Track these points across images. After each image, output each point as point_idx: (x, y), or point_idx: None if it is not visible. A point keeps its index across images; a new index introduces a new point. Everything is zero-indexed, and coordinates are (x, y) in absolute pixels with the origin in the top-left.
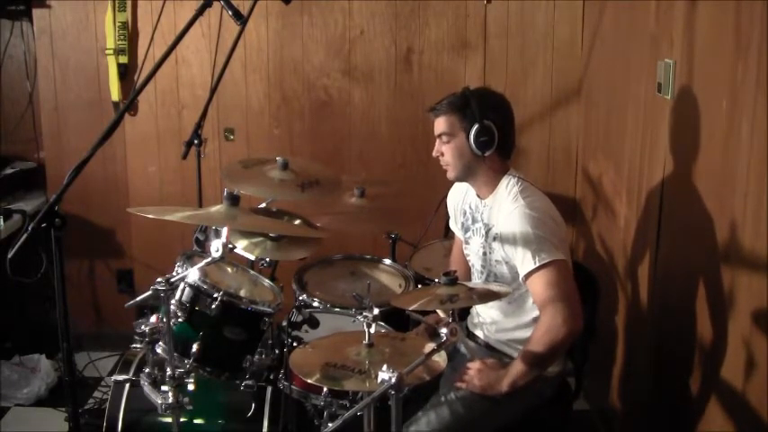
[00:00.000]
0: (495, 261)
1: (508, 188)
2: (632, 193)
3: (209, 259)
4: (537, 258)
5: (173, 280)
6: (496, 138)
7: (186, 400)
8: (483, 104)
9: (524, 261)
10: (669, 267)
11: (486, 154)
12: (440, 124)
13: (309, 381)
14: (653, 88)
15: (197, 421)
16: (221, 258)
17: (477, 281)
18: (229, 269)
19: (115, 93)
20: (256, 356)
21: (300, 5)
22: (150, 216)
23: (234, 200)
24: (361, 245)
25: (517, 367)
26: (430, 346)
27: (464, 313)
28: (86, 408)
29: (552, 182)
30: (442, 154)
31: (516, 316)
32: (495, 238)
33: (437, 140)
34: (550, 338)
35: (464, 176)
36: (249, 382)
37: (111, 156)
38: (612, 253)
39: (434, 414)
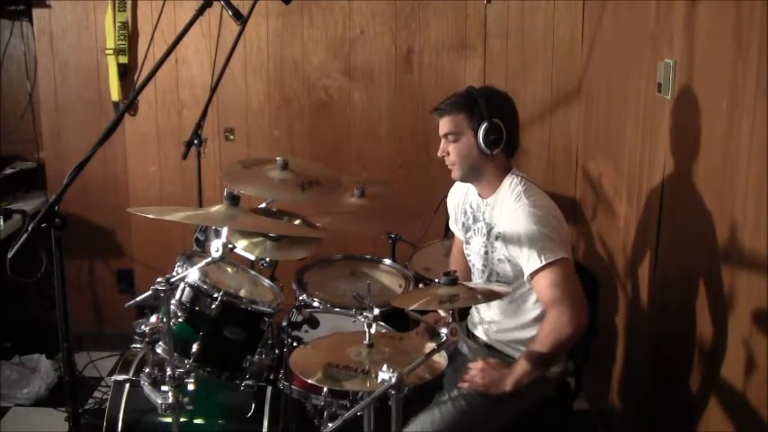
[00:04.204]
0: (498, 260)
1: (511, 187)
2: (632, 193)
3: (209, 259)
4: (542, 257)
5: (173, 280)
6: (504, 136)
7: (186, 400)
8: (491, 103)
9: (530, 260)
10: (669, 267)
11: (494, 153)
12: (446, 124)
13: (310, 381)
14: (653, 88)
15: (197, 421)
16: (221, 258)
17: (478, 280)
18: (229, 269)
19: (115, 93)
20: (256, 356)
21: (300, 5)
22: (150, 216)
23: (234, 200)
24: (361, 245)
25: (522, 366)
26: (430, 346)
27: (464, 313)
28: (86, 408)
29: (552, 182)
30: (448, 153)
31: (516, 316)
32: (497, 237)
33: (442, 140)
34: (556, 337)
35: (469, 176)
36: (249, 382)
37: (111, 156)
38: (612, 253)
39: (438, 412)
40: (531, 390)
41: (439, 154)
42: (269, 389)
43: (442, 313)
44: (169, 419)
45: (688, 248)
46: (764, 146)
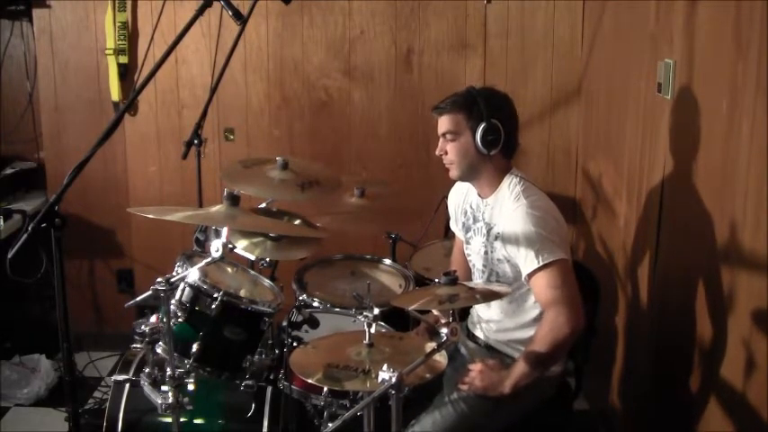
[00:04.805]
0: (497, 260)
1: (510, 187)
2: (632, 193)
3: (209, 259)
4: (540, 258)
5: (173, 280)
6: (502, 137)
7: (186, 400)
8: (490, 104)
9: (527, 260)
10: (669, 267)
11: (492, 153)
12: (444, 122)
13: (310, 381)
14: (653, 88)
15: (197, 421)
16: (221, 258)
17: (478, 280)
18: (229, 269)
19: (115, 93)
20: (256, 356)
21: (300, 5)
22: (150, 216)
23: (234, 200)
24: (361, 245)
25: (520, 368)
26: (430, 346)
27: (464, 313)
28: (86, 408)
29: (552, 182)
30: (446, 152)
31: (517, 315)
32: (496, 237)
33: (441, 139)
34: (553, 338)
35: (467, 175)
36: (249, 382)
37: (112, 156)
38: (612, 253)
39: (438, 414)
40: (530, 390)
41: (437, 152)
42: (269, 389)
43: (435, 312)
44: (169, 419)
45: (688, 248)
46: (764, 146)
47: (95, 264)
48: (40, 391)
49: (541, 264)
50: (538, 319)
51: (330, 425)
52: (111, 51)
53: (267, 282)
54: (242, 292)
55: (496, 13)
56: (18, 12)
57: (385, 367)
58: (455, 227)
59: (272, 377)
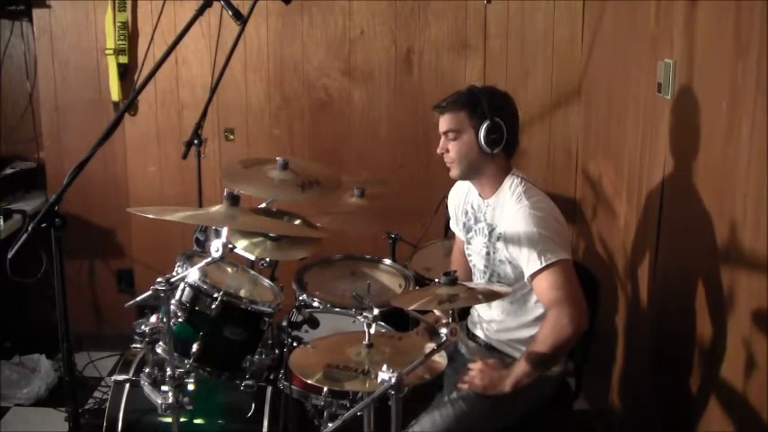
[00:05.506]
0: (499, 261)
1: (512, 188)
2: (632, 193)
3: (209, 259)
4: (543, 258)
5: (173, 280)
6: (505, 136)
7: (186, 400)
8: (493, 102)
9: (530, 261)
10: (669, 267)
11: (495, 152)
12: (446, 121)
13: (310, 381)
14: (653, 88)
15: (197, 421)
16: (221, 258)
17: (479, 281)
18: (229, 269)
19: (115, 93)
20: (256, 356)
21: (300, 5)
22: (150, 216)
23: (234, 200)
24: (361, 245)
25: (521, 367)
26: (430, 346)
27: (464, 313)
28: (86, 408)
29: (552, 182)
30: (447, 151)
31: (518, 315)
32: (498, 238)
33: (442, 137)
34: (556, 338)
35: (468, 174)
36: (249, 382)
37: (111, 156)
38: (612, 253)
39: (438, 413)
40: (530, 390)
41: (438, 151)
42: (269, 389)
43: (437, 312)
44: (169, 419)
45: (688, 248)
46: (764, 146)
47: (95, 264)
48: (40, 391)
49: (544, 264)
50: (539, 319)
51: (330, 425)
52: (111, 51)
53: (267, 282)
54: (242, 292)
55: (496, 13)
56: (18, 12)
57: (384, 368)
58: (455, 227)
59: (272, 377)
